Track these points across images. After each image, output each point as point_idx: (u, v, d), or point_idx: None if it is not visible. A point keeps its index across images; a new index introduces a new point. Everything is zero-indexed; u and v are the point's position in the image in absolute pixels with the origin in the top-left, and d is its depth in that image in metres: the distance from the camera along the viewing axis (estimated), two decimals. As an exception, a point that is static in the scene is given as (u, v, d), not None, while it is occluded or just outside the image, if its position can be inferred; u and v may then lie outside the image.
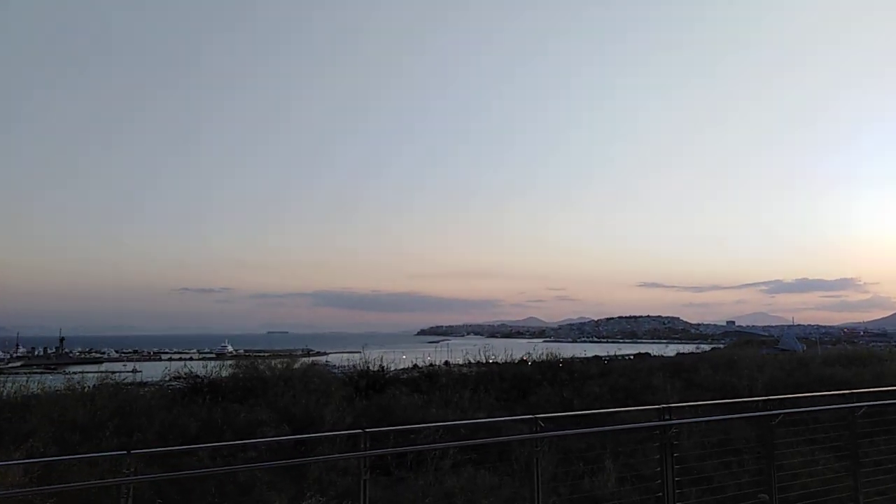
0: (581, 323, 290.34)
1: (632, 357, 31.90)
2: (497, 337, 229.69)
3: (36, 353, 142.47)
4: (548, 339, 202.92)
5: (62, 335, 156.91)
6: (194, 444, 7.53)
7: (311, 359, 16.32)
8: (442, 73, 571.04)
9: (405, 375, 14.64)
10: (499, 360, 17.01)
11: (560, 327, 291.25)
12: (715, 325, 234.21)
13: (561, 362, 17.26)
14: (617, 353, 30.45)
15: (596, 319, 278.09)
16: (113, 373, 14.43)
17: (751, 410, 7.72)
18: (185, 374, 12.28)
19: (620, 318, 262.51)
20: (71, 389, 10.11)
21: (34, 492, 5.86)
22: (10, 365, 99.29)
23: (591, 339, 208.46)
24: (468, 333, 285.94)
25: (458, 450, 7.95)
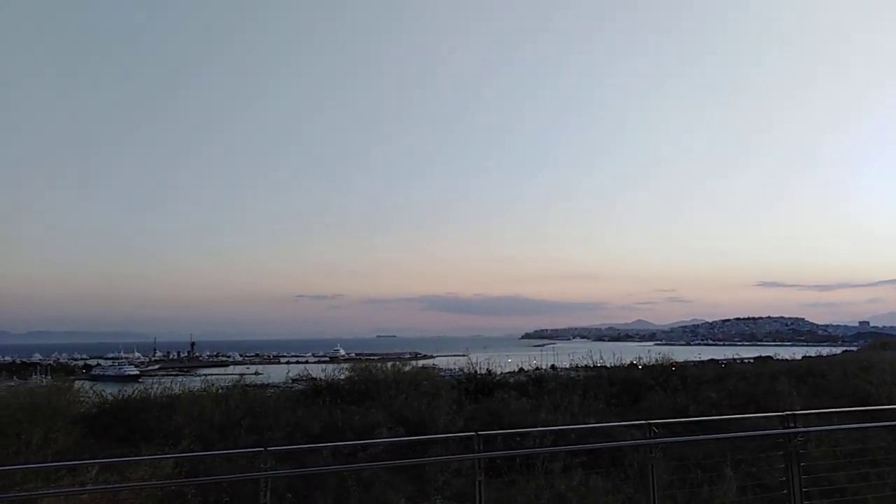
0: (694, 325, 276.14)
1: (751, 361, 30.09)
2: (604, 340, 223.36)
3: (170, 356, 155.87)
4: (658, 342, 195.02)
5: (193, 340, 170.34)
6: (319, 443, 8.07)
7: (421, 362, 16.74)
8: (538, 73, 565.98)
9: (512, 379, 14.73)
10: (607, 364, 16.72)
11: (671, 330, 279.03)
12: (846, 325, 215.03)
13: (674, 366, 16.66)
14: (735, 357, 28.87)
15: (710, 321, 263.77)
16: (241, 375, 15.57)
17: (891, 419, 7.19)
18: (305, 376, 13.11)
19: (738, 319, 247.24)
20: (207, 391, 11.09)
21: (186, 483, 6.55)
22: (149, 368, 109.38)
23: (705, 342, 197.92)
24: (573, 337, 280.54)
25: (569, 454, 7.99)
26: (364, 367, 12.66)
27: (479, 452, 5.42)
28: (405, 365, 13.93)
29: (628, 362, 17.40)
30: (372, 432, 8.79)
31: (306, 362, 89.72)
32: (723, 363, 22.18)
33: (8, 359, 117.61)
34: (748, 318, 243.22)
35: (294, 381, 15.12)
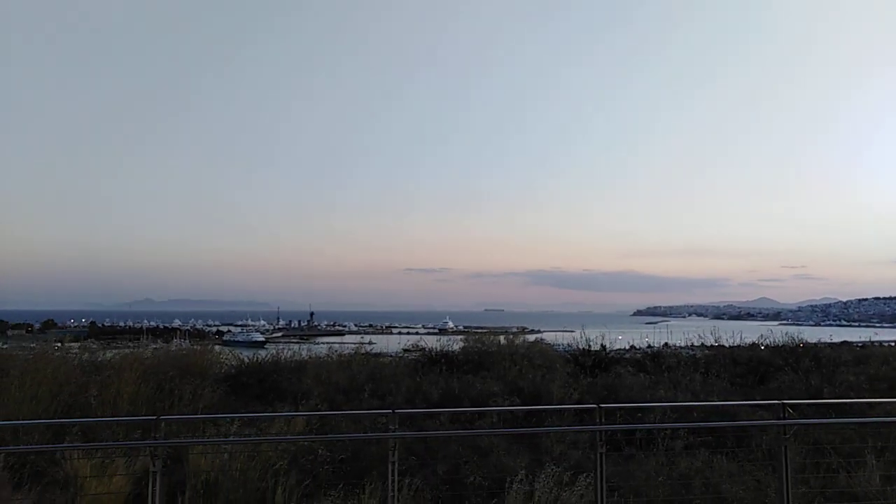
0: (825, 304, 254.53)
1: (893, 344, 27.45)
2: (723, 319, 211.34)
3: (291, 325, 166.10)
4: (783, 321, 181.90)
5: (312, 310, 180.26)
6: (441, 408, 8.36)
7: (534, 336, 16.73)
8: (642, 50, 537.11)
9: (628, 355, 14.42)
10: (725, 344, 15.90)
11: (799, 309, 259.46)
12: None
13: (801, 346, 15.53)
14: (873, 339, 26.45)
15: (844, 301, 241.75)
16: (360, 343, 16.30)
17: None
18: (421, 347, 13.54)
19: (876, 299, 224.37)
20: (331, 357, 11.77)
21: (320, 439, 7.03)
22: (273, 335, 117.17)
23: (838, 322, 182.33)
24: (689, 315, 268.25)
25: (690, 432, 7.73)
26: (478, 338, 12.86)
27: (600, 425, 5.37)
28: (518, 338, 14.00)
29: (751, 341, 16.43)
30: (488, 401, 8.95)
31: (417, 333, 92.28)
32: (858, 345, 20.39)
33: (152, 323, 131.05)
34: (889, 298, 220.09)
35: (406, 351, 15.63)
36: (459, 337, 15.14)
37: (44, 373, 8.36)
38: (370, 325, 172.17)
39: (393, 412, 5.37)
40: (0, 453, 6.36)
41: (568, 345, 15.96)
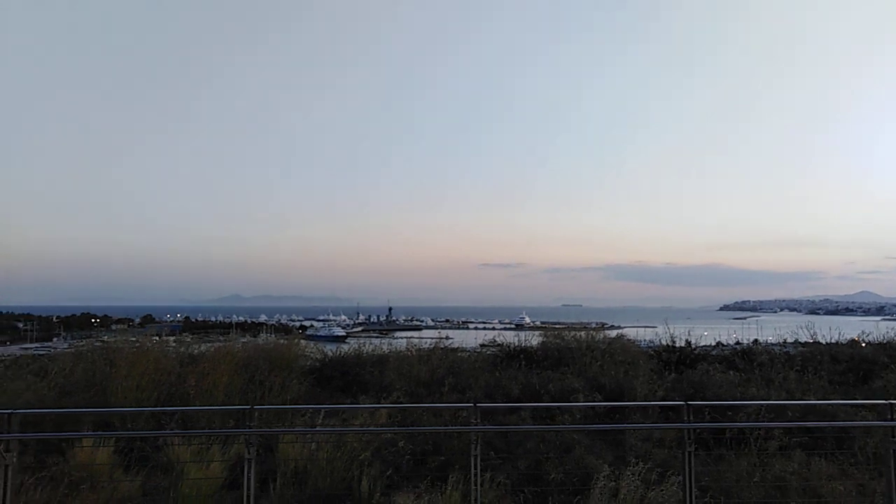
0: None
1: None
2: (819, 314, 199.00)
3: (371, 320, 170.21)
4: (888, 316, 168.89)
5: (390, 305, 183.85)
6: (521, 403, 8.35)
7: (615, 332, 16.34)
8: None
9: (715, 352, 13.82)
10: (823, 340, 14.92)
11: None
12: None
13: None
14: None
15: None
16: (440, 338, 16.44)
17: None
18: (498, 342, 13.53)
19: None
20: (411, 351, 11.94)
21: (404, 431, 7.17)
22: (353, 329, 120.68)
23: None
24: (781, 310, 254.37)
25: (784, 432, 7.33)
26: (557, 334, 12.71)
27: (689, 422, 5.19)
28: (598, 333, 13.72)
29: (851, 338, 15.35)
30: (568, 397, 8.83)
31: (493, 328, 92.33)
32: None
33: (240, 319, 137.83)
34: None
35: (482, 346, 15.62)
36: (537, 332, 15.01)
37: (146, 364, 8.96)
38: (447, 320, 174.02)
39: (475, 406, 5.41)
40: (111, 438, 6.89)
41: (649, 341, 15.48)
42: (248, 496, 5.08)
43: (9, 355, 17.00)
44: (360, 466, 6.58)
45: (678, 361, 11.66)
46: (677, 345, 13.17)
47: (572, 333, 12.69)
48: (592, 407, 8.43)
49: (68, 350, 13.87)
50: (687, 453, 5.12)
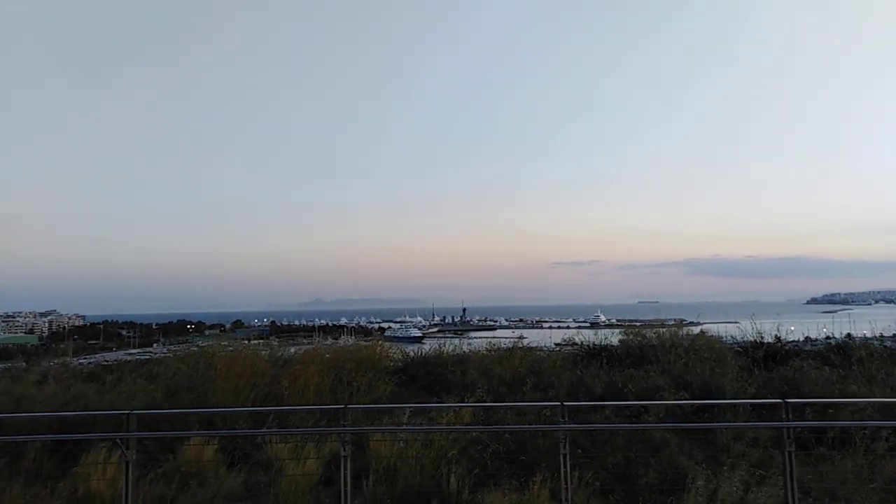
0: None
1: None
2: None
3: (446, 320, 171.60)
4: None
5: (464, 306, 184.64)
6: (606, 402, 8.28)
7: (696, 329, 15.83)
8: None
9: (808, 347, 13.15)
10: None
11: None
12: None
13: None
14: None
15: None
16: (519, 338, 16.47)
17: None
18: (573, 341, 13.42)
19: None
20: (491, 351, 12.04)
21: (491, 430, 7.28)
22: (429, 330, 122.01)
23: None
24: (875, 301, 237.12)
25: (894, 432, 6.93)
26: (637, 331, 12.47)
27: (788, 421, 5.02)
28: (681, 330, 13.35)
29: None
30: (653, 396, 8.67)
31: (567, 327, 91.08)
32: None
33: (322, 322, 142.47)
34: None
35: (557, 345, 15.49)
36: (617, 330, 14.76)
37: (242, 367, 9.49)
38: (520, 320, 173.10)
39: (562, 405, 5.44)
40: (217, 436, 7.37)
41: (733, 337, 14.87)
42: (345, 492, 5.32)
43: (115, 360, 18.36)
44: (447, 464, 6.73)
45: (767, 358, 11.19)
46: (765, 340, 12.62)
47: (654, 331, 12.40)
48: (679, 405, 8.24)
49: (168, 355, 14.84)
50: (787, 453, 4.97)
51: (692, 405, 8.28)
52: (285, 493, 6.31)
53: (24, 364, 16.00)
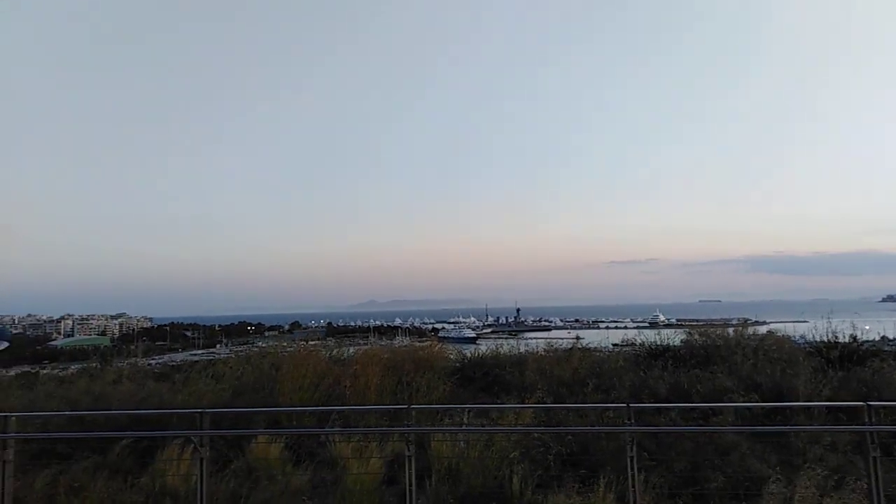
0: None
1: None
2: None
3: (500, 321, 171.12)
4: None
5: (518, 306, 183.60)
6: (673, 404, 8.07)
7: (766, 328, 15.26)
8: None
9: (886, 347, 12.46)
10: None
11: None
12: None
13: None
14: None
15: None
16: (577, 338, 16.25)
17: None
18: (631, 341, 13.14)
19: None
20: (548, 351, 11.92)
21: (555, 431, 7.20)
22: (483, 331, 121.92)
23: None
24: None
25: None
26: (702, 331, 12.10)
27: (871, 425, 4.76)
28: (747, 330, 12.89)
29: None
30: (721, 398, 8.40)
31: (625, 327, 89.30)
32: None
33: (377, 323, 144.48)
34: None
35: (615, 345, 15.19)
36: (680, 330, 14.35)
37: (304, 367, 9.70)
38: (576, 320, 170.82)
39: (628, 407, 5.32)
40: (282, 435, 7.55)
41: (802, 336, 14.22)
42: (410, 492, 5.36)
43: (182, 361, 19.08)
44: (509, 465, 6.68)
45: (842, 358, 10.66)
46: (839, 340, 12.02)
47: (719, 330, 12.01)
48: (749, 408, 7.96)
49: (230, 356, 15.32)
50: (872, 459, 4.71)
51: (762, 407, 7.99)
52: (350, 490, 6.41)
53: (98, 364, 16.83)
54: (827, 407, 7.39)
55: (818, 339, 12.55)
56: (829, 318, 12.62)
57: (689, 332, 12.54)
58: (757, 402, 8.27)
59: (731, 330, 12.02)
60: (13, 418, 5.44)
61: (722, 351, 11.09)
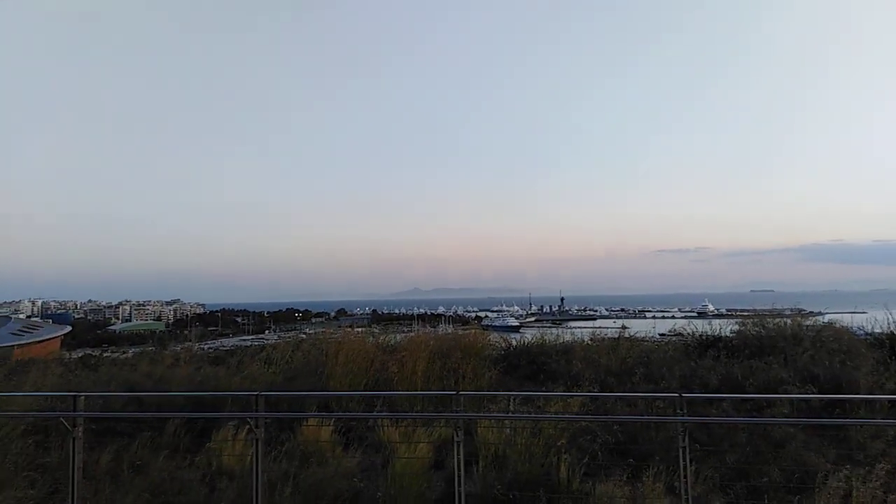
0: None
1: None
2: None
3: (543, 310, 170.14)
4: None
5: (562, 295, 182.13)
6: (725, 394, 7.92)
7: (824, 318, 14.72)
8: None
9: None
10: None
11: None
12: None
13: None
14: None
15: None
16: (620, 328, 16.02)
17: None
18: (690, 330, 12.85)
19: None
20: (595, 340, 11.80)
21: (604, 419, 7.16)
22: (527, 320, 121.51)
23: None
24: None
25: None
26: (756, 321, 11.76)
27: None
28: (804, 320, 12.46)
29: None
30: (776, 389, 8.18)
31: (672, 317, 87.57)
32: None
33: (420, 310, 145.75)
34: None
35: (662, 335, 14.89)
36: (725, 320, 13.98)
37: (353, 353, 9.88)
38: (622, 310, 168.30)
39: (680, 396, 5.23)
40: (331, 419, 7.73)
41: (861, 328, 13.67)
42: (459, 476, 5.41)
43: (233, 346, 19.67)
44: (556, 453, 6.66)
45: (906, 350, 10.22)
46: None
47: (774, 320, 11.65)
48: (806, 400, 7.72)
49: (279, 341, 15.70)
50: (939, 454, 4.51)
51: (820, 400, 7.74)
52: (400, 474, 6.51)
53: (155, 348, 17.53)
54: (890, 401, 7.11)
55: (881, 330, 12.05)
56: (892, 308, 12.09)
57: (742, 322, 12.21)
58: (813, 393, 8.02)
59: (787, 320, 11.63)
60: (82, 398, 5.72)
61: (777, 341, 10.77)
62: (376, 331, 17.98)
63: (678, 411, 5.17)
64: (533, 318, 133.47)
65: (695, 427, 7.15)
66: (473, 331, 12.45)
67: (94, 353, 19.81)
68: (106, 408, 7.99)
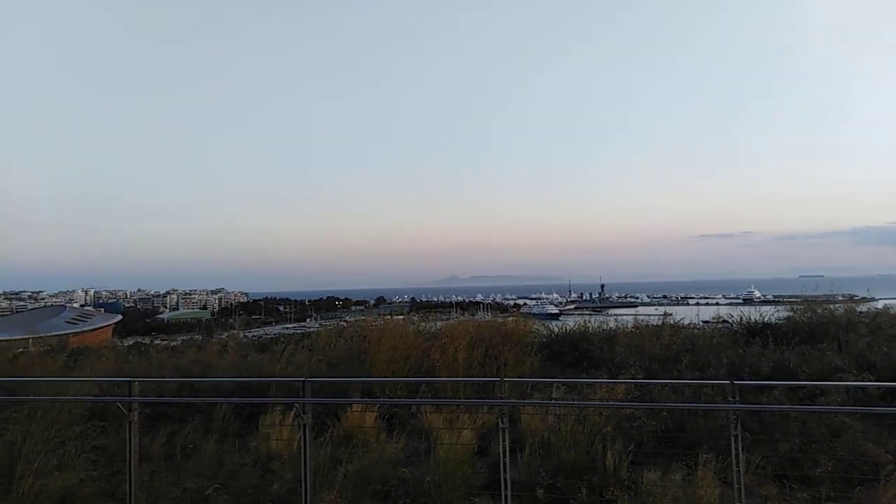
0: None
1: None
2: None
3: (583, 297, 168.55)
4: None
5: (602, 282, 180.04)
6: (777, 381, 7.69)
7: (880, 304, 14.18)
8: None
9: None
10: None
11: None
12: None
13: None
14: None
15: None
16: (663, 315, 15.74)
17: None
18: (736, 317, 12.55)
19: None
20: (639, 327, 11.61)
21: (651, 407, 7.03)
22: (566, 307, 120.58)
23: None
24: None
25: None
26: (807, 307, 11.41)
27: None
28: (858, 306, 12.04)
29: None
30: (830, 377, 7.91)
31: (717, 304, 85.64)
32: None
33: (459, 298, 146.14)
34: None
35: (704, 322, 14.55)
36: (779, 306, 13.60)
37: (394, 340, 9.95)
38: (664, 296, 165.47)
39: (732, 384, 5.09)
40: (375, 405, 7.80)
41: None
42: (504, 463, 5.39)
43: (277, 334, 20.06)
44: (602, 441, 6.58)
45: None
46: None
47: (827, 307, 11.28)
48: (863, 388, 7.44)
49: (321, 329, 15.93)
50: None
51: (878, 388, 7.45)
52: (444, 460, 6.53)
53: (202, 336, 18.01)
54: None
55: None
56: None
57: (793, 308, 11.85)
58: (870, 381, 7.73)
59: (839, 306, 11.24)
60: (136, 383, 5.90)
61: (829, 328, 10.43)
62: (416, 318, 18.08)
63: (729, 399, 5.03)
64: (573, 306, 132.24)
65: (746, 415, 6.97)
66: (514, 318, 12.38)
67: (144, 341, 20.48)
68: (159, 393, 8.26)
